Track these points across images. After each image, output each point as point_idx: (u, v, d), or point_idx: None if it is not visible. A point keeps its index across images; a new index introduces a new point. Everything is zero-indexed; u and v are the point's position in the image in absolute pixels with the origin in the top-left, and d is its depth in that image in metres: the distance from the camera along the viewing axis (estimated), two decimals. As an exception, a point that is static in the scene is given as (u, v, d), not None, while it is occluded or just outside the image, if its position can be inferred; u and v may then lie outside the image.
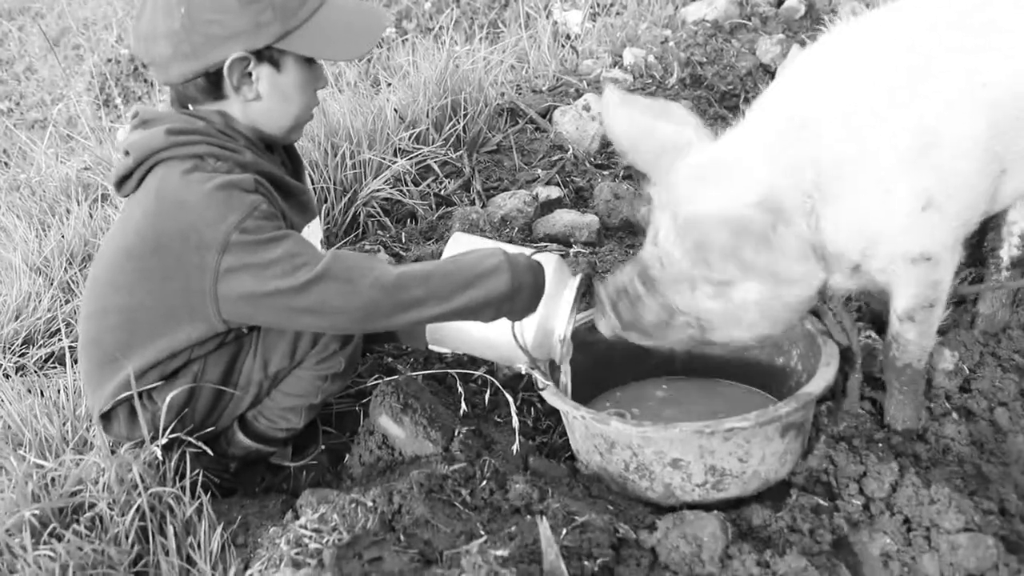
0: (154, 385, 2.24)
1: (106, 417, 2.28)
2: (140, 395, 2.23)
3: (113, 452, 2.19)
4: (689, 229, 2.10)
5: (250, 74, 2.18)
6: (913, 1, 2.35)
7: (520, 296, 2.19)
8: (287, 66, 2.22)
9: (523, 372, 2.45)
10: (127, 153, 2.18)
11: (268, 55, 2.18)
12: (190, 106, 2.26)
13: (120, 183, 2.23)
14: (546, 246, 2.81)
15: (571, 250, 3.37)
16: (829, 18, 5.21)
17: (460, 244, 2.38)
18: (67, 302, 3.26)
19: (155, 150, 2.13)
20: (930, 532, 2.11)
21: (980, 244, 2.91)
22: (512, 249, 2.28)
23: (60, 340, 2.97)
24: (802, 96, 2.26)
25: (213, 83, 2.19)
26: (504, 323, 2.26)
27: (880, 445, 2.38)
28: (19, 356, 2.99)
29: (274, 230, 2.08)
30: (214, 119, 2.21)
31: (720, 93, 4.80)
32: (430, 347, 2.49)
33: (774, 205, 2.07)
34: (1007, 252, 2.74)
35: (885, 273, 2.27)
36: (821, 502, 2.25)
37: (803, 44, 4.83)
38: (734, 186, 2.11)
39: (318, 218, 2.50)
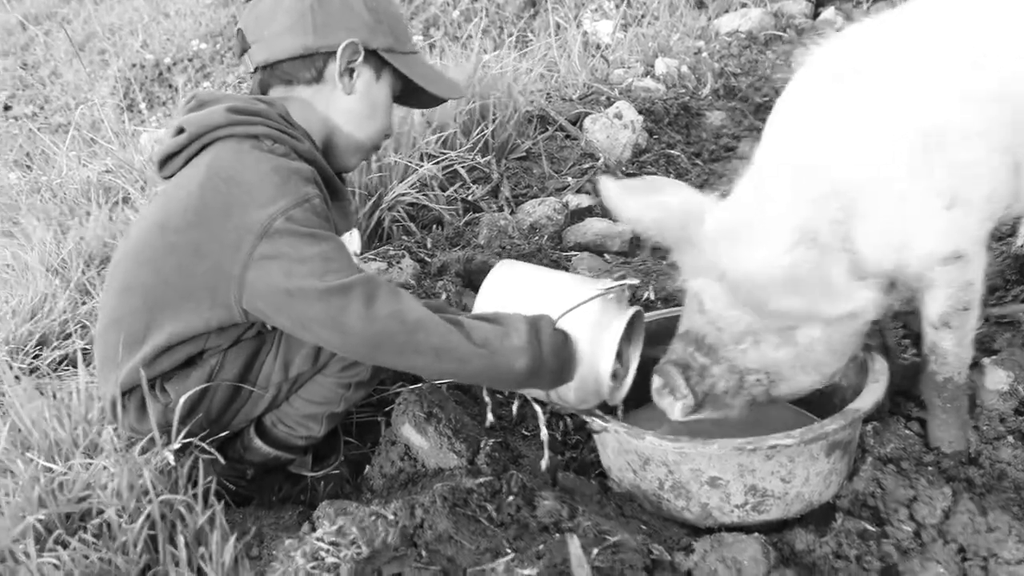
0: (164, 373, 2.17)
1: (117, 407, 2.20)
2: (152, 385, 2.15)
3: (122, 455, 2.10)
4: (740, 292, 2.06)
5: (352, 70, 2.25)
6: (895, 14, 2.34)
7: (542, 377, 2.09)
8: (384, 78, 2.32)
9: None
10: (180, 131, 2.14)
11: (374, 60, 2.27)
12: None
13: (164, 162, 2.19)
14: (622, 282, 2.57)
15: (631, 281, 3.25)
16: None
17: (499, 282, 2.25)
18: (83, 304, 3.20)
19: (215, 126, 2.11)
20: (988, 562, 2.01)
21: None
22: (561, 284, 2.20)
23: (74, 342, 2.90)
24: (799, 129, 2.23)
25: (315, 66, 2.24)
26: None
27: (930, 468, 2.28)
28: (32, 357, 2.92)
29: (319, 227, 2.03)
30: (277, 106, 2.21)
31: (755, 105, 4.72)
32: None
33: (811, 239, 2.05)
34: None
35: (920, 280, 2.21)
36: (868, 527, 2.14)
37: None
38: (769, 238, 2.07)
39: (356, 229, 2.43)
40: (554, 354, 2.07)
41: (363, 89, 2.28)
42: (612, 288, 2.17)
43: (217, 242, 2.02)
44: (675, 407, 2.17)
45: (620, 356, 2.22)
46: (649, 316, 2.48)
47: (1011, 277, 3.00)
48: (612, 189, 2.21)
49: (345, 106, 2.28)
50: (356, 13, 2.23)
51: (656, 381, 2.20)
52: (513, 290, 2.21)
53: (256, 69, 2.29)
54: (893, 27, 2.28)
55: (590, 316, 2.14)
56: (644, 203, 2.19)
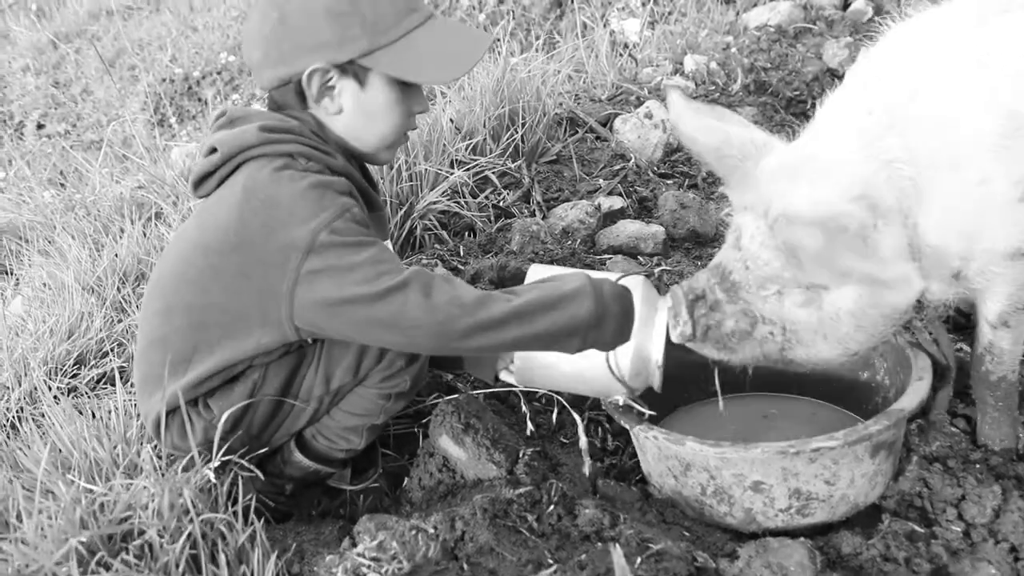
0: (211, 390, 2.18)
1: (161, 426, 2.19)
2: (195, 402, 2.16)
3: (163, 474, 2.10)
4: (781, 229, 1.96)
5: (333, 87, 2.15)
6: None
7: (606, 324, 2.06)
8: (372, 83, 2.17)
9: (621, 404, 2.30)
10: (213, 150, 2.14)
11: (352, 70, 2.14)
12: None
13: (199, 182, 2.18)
14: (628, 272, 2.56)
15: (655, 269, 3.23)
16: (896, 19, 5.04)
17: (538, 273, 2.24)
18: (119, 321, 3.22)
19: (247, 146, 2.09)
20: (1040, 561, 1.96)
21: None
22: (596, 275, 2.16)
23: (112, 360, 2.91)
24: (884, 88, 2.11)
25: (298, 92, 2.17)
26: (596, 355, 2.12)
27: (978, 466, 2.23)
28: (71, 377, 2.93)
29: (362, 235, 2.03)
30: (308, 120, 2.19)
31: (786, 99, 4.67)
32: (499, 379, 2.39)
33: (872, 202, 1.95)
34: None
35: (984, 276, 2.11)
36: (916, 528, 2.11)
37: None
38: (831, 182, 1.98)
39: (389, 240, 2.41)
40: (616, 296, 2.08)
41: (351, 103, 2.18)
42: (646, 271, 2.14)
43: (262, 263, 2.01)
44: (674, 332, 2.13)
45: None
46: None
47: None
48: (678, 103, 2.17)
49: (341, 122, 2.21)
50: (317, 30, 2.09)
51: (666, 300, 2.16)
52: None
53: None
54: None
55: (636, 294, 2.13)
56: (706, 124, 2.14)
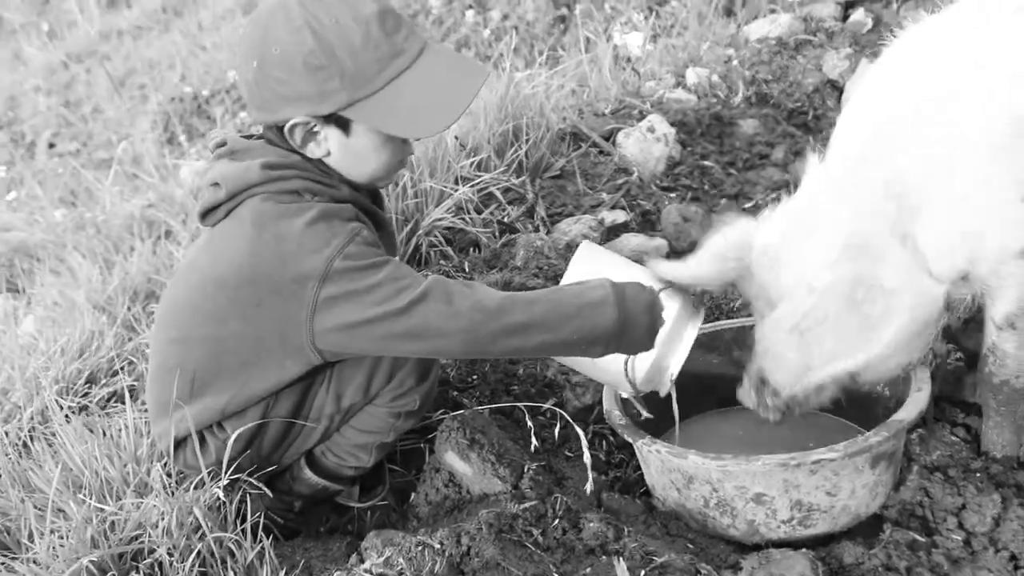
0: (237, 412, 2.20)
1: (175, 446, 2.24)
2: (211, 424, 2.19)
3: (173, 493, 2.13)
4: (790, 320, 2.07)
5: (317, 132, 2.11)
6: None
7: (630, 333, 2.09)
8: (357, 131, 2.11)
9: (624, 397, 2.34)
10: (216, 184, 2.14)
11: (335, 119, 2.08)
12: None
13: (206, 214, 2.19)
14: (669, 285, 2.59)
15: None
16: (896, 32, 5.07)
17: (585, 260, 2.27)
18: (129, 340, 3.24)
19: (251, 184, 2.09)
20: (1040, 570, 1.97)
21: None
22: (641, 275, 2.20)
23: (122, 379, 2.94)
24: (875, 113, 2.18)
25: (282, 134, 2.14)
26: None
27: (978, 475, 2.25)
28: (82, 396, 2.97)
29: (375, 257, 2.04)
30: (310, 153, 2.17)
31: (787, 111, 4.69)
32: None
33: (858, 247, 2.02)
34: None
35: (996, 275, 2.13)
36: (918, 538, 2.12)
37: (872, 57, 4.69)
38: (810, 253, 2.07)
39: (398, 257, 2.42)
40: (642, 306, 2.09)
41: (337, 147, 2.13)
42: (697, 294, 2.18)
43: (278, 295, 2.03)
44: (768, 418, 2.24)
45: None
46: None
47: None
48: (668, 271, 2.22)
49: (330, 161, 2.16)
50: (295, 83, 2.02)
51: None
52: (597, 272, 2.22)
53: None
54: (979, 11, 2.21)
55: (673, 306, 2.16)
56: (695, 261, 2.21)
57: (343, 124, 2.09)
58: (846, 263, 2.01)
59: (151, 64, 8.06)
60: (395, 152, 2.19)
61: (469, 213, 3.61)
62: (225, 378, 2.17)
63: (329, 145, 2.13)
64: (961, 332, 2.56)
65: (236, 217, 2.12)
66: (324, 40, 1.99)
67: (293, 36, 2.00)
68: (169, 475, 2.22)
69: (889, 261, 2.02)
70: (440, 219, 3.52)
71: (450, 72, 2.13)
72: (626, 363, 2.18)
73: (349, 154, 2.15)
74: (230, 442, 2.14)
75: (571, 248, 3.41)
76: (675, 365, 2.19)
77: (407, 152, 2.26)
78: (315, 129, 2.10)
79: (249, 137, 2.24)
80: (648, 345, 2.14)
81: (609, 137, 4.33)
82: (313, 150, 2.13)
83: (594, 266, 2.24)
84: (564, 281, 2.24)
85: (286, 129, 2.09)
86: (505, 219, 3.67)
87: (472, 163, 3.79)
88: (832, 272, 2.01)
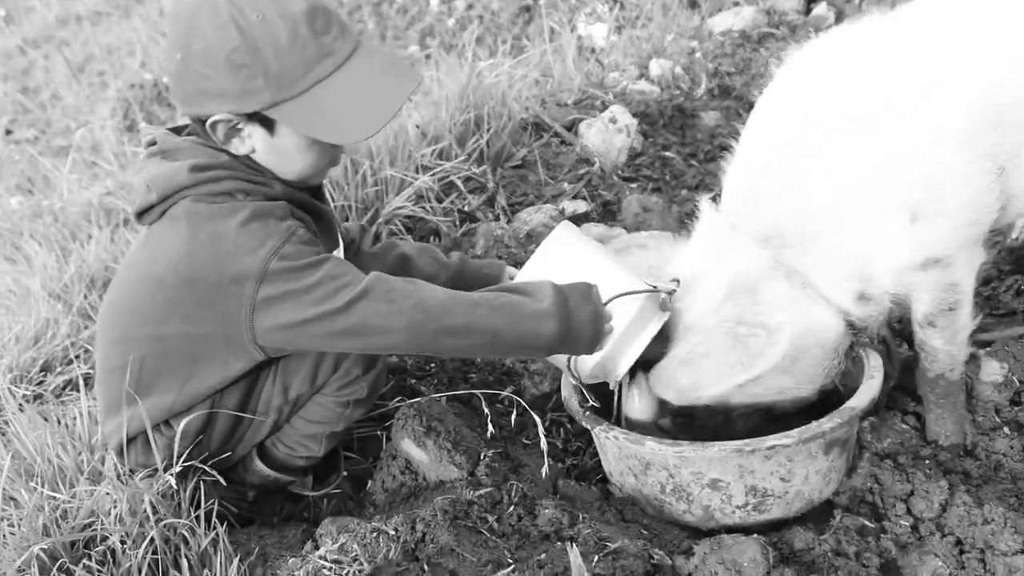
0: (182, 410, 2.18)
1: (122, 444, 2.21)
2: (159, 424, 2.18)
3: (126, 482, 2.11)
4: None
5: (240, 129, 2.05)
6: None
7: (572, 343, 2.11)
8: (282, 131, 2.05)
9: (573, 383, 2.37)
10: (148, 187, 2.09)
11: (259, 117, 2.02)
12: None
13: (141, 214, 2.15)
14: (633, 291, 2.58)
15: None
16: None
17: (554, 250, 2.26)
18: (85, 328, 3.22)
19: (180, 187, 2.05)
20: (985, 554, 2.01)
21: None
22: (616, 269, 2.21)
23: (78, 367, 2.92)
24: (746, 172, 2.31)
25: (206, 129, 2.08)
26: None
27: (927, 462, 2.28)
28: (36, 385, 2.94)
29: (313, 255, 2.02)
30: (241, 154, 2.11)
31: (749, 104, 4.68)
32: None
33: (740, 289, 2.18)
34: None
35: (904, 286, 2.25)
36: (867, 523, 2.16)
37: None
38: (698, 298, 2.23)
39: (341, 246, 2.39)
40: (587, 322, 2.10)
41: (261, 145, 2.07)
42: (660, 290, 2.20)
43: (217, 294, 2.01)
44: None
45: None
46: None
47: (1005, 268, 3.00)
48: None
49: (258, 158, 2.10)
50: (218, 79, 1.96)
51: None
52: (564, 264, 2.22)
53: None
54: (850, 51, 2.29)
55: (635, 308, 2.16)
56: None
57: (267, 123, 2.04)
58: (729, 306, 2.16)
59: (110, 50, 7.95)
60: (323, 153, 2.14)
61: (430, 202, 3.60)
62: (169, 377, 2.15)
63: (254, 143, 2.07)
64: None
65: (171, 217, 2.08)
66: (249, 37, 1.93)
67: (218, 32, 1.93)
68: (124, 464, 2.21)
69: (770, 299, 2.16)
70: (400, 207, 3.52)
71: (381, 77, 2.06)
72: (569, 359, 2.21)
73: (274, 153, 2.09)
74: (177, 436, 2.13)
75: (532, 237, 3.42)
76: (623, 366, 2.21)
77: (337, 153, 2.20)
78: (238, 126, 2.04)
79: (180, 130, 2.19)
80: (590, 351, 2.16)
81: (571, 127, 4.33)
82: (237, 146, 2.08)
83: (569, 246, 2.26)
84: (532, 257, 2.24)
85: (207, 124, 2.04)
86: (466, 208, 3.67)
87: (433, 151, 3.78)
88: (716, 315, 2.17)
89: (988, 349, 2.54)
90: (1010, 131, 2.15)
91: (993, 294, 2.91)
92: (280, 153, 2.09)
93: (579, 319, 2.09)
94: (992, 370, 2.48)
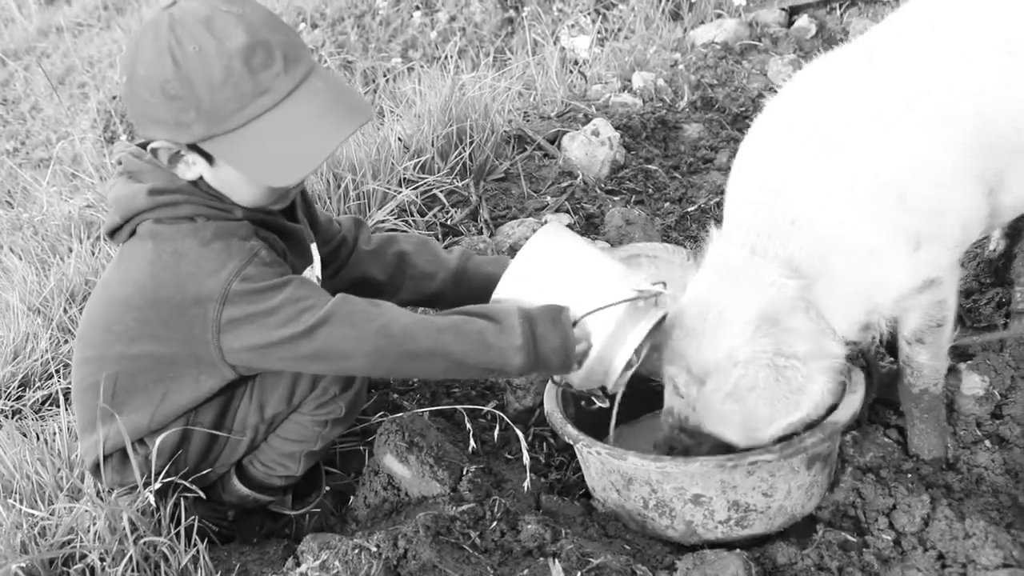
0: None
1: (100, 463, 2.19)
2: (133, 442, 2.15)
3: (103, 498, 2.10)
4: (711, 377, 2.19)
5: (183, 155, 2.00)
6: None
7: (540, 370, 2.10)
8: (221, 163, 1.98)
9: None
10: (114, 208, 2.09)
11: (197, 148, 1.97)
12: None
13: (111, 234, 2.14)
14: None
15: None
16: (840, 38, 5.15)
17: (549, 236, 2.25)
18: (65, 342, 3.19)
19: (139, 210, 2.04)
20: (967, 568, 2.02)
21: (1007, 267, 2.84)
22: (607, 265, 2.20)
23: (57, 382, 2.89)
24: (757, 201, 2.26)
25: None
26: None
27: (909, 476, 2.29)
28: (15, 400, 2.91)
29: (275, 277, 2.01)
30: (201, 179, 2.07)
31: (732, 115, 4.73)
32: None
33: (769, 320, 2.13)
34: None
35: (899, 309, 2.26)
36: (849, 538, 2.15)
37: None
38: (728, 331, 2.16)
39: (317, 260, 2.36)
40: (555, 351, 2.07)
41: (207, 173, 2.03)
42: (645, 295, 2.16)
43: (183, 315, 2.00)
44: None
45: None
46: None
47: (986, 280, 3.01)
48: None
49: (210, 183, 2.06)
50: (155, 107, 1.90)
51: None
52: (548, 266, 2.21)
53: None
54: (841, 76, 2.30)
55: (618, 312, 2.13)
56: None
57: (206, 155, 1.98)
58: (761, 338, 2.12)
59: (91, 62, 7.93)
60: (268, 187, 2.06)
61: (412, 215, 3.59)
62: (141, 395, 2.14)
63: (198, 169, 2.02)
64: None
65: (139, 236, 2.07)
66: (183, 70, 1.87)
67: (155, 59, 1.88)
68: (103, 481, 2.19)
69: (798, 330, 2.13)
70: (383, 221, 3.51)
71: (321, 116, 1.96)
72: (553, 378, 2.22)
73: (220, 182, 2.05)
74: (153, 454, 2.11)
75: (515, 250, 3.41)
76: (618, 366, 2.17)
77: (287, 188, 2.10)
78: (180, 152, 1.99)
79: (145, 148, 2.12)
80: (561, 373, 2.16)
81: (554, 140, 4.34)
82: (184, 171, 2.03)
83: (560, 241, 2.25)
84: (516, 260, 2.22)
85: (149, 148, 2.00)
86: (448, 221, 3.67)
87: (416, 165, 3.78)
88: (751, 346, 2.12)
89: (969, 362, 2.55)
90: (999, 155, 2.16)
91: (974, 307, 2.92)
92: (225, 183, 2.05)
93: (547, 347, 2.06)
94: (973, 384, 2.49)
